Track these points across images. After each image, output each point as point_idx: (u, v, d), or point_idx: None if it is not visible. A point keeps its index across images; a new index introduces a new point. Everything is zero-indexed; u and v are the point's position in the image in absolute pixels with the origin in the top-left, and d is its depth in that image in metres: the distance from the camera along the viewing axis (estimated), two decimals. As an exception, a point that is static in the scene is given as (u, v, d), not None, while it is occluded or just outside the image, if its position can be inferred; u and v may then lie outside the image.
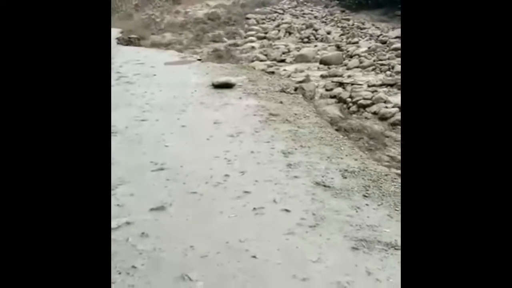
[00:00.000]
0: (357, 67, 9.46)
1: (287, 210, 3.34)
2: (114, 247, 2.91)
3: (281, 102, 6.41)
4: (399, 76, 8.21)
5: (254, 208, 3.37)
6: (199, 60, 9.98)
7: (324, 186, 3.72)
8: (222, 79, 7.36)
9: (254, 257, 2.80)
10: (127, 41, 13.27)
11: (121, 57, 10.10)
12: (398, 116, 6.49)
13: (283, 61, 10.79)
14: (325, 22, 16.47)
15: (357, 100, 7.00)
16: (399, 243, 2.87)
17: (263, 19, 16.99)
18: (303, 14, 18.04)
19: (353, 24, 14.99)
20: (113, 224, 3.16)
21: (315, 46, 12.42)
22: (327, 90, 7.95)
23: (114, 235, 3.05)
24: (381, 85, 7.65)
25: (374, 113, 6.56)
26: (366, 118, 6.51)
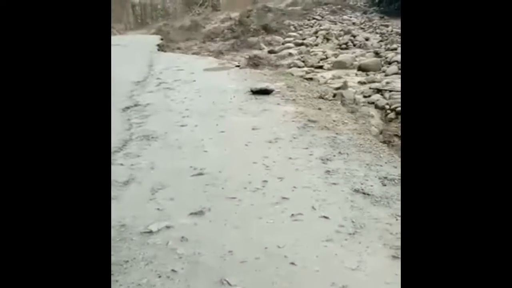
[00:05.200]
0: (396, 73, 9.28)
1: (325, 217, 3.32)
2: (154, 251, 2.96)
3: (319, 109, 6.39)
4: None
5: (293, 215, 3.36)
6: (238, 66, 10.05)
7: (363, 193, 3.68)
8: (260, 85, 7.38)
9: (292, 263, 2.79)
10: (166, 48, 13.53)
11: (161, 64, 10.29)
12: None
13: (320, 67, 10.70)
14: (364, 28, 16.31)
15: (396, 107, 6.89)
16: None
17: (301, 26, 16.99)
18: (342, 20, 17.93)
19: (392, 31, 14.76)
20: (153, 227, 3.22)
21: (353, 52, 12.27)
22: (365, 96, 7.86)
23: (154, 239, 3.11)
24: (420, 92, 7.51)
25: (414, 120, 6.44)
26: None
